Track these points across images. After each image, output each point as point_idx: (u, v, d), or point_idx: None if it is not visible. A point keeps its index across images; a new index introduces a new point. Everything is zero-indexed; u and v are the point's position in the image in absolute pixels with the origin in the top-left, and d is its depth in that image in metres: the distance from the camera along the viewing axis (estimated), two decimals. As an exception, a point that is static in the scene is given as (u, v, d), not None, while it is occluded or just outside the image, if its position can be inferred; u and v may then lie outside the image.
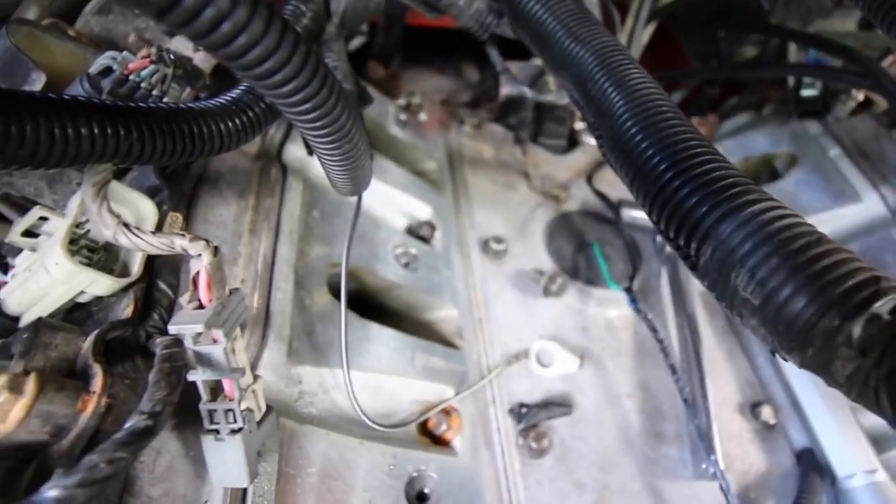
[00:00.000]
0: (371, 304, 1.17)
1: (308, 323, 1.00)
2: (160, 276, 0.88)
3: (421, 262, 1.22)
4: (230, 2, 0.46)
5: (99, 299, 0.84)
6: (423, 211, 1.34)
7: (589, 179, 1.53)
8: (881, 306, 0.49)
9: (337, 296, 1.01)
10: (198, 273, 0.78)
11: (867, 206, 1.38)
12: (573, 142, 1.69)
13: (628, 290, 1.30)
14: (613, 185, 1.57)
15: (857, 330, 0.49)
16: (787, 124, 1.62)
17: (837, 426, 1.12)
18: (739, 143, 1.66)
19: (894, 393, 0.52)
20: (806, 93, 1.60)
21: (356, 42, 1.63)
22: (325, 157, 0.78)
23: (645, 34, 1.70)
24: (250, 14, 0.48)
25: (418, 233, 1.30)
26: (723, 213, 0.58)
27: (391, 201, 1.29)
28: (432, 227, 1.32)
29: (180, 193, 0.99)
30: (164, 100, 0.96)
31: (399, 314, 1.20)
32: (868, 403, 0.54)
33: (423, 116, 1.58)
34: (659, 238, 1.40)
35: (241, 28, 0.48)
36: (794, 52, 1.64)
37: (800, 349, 0.53)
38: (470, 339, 1.19)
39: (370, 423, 0.94)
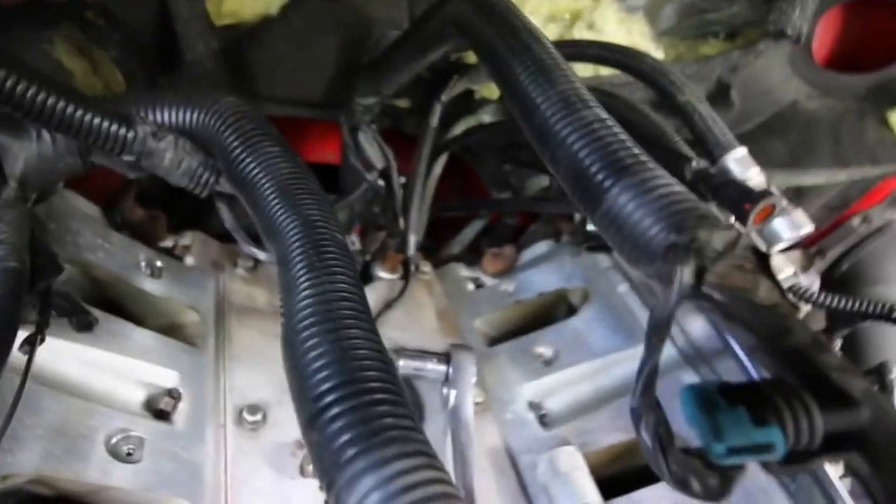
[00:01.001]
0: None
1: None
2: None
3: (150, 447, 1.04)
4: None
5: None
6: (166, 378, 1.16)
7: (371, 325, 1.43)
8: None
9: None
10: None
11: None
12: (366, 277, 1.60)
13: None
14: (401, 327, 1.47)
15: None
16: (579, 257, 1.60)
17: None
18: (534, 278, 1.62)
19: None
20: (592, 226, 1.59)
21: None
22: None
23: (438, 165, 1.68)
24: None
25: (157, 406, 1.13)
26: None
27: (123, 374, 1.12)
28: (176, 397, 1.15)
29: None
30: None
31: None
32: None
33: (190, 260, 1.43)
34: (445, 391, 1.29)
35: None
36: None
37: None
38: (206, 541, 1.01)
39: None
